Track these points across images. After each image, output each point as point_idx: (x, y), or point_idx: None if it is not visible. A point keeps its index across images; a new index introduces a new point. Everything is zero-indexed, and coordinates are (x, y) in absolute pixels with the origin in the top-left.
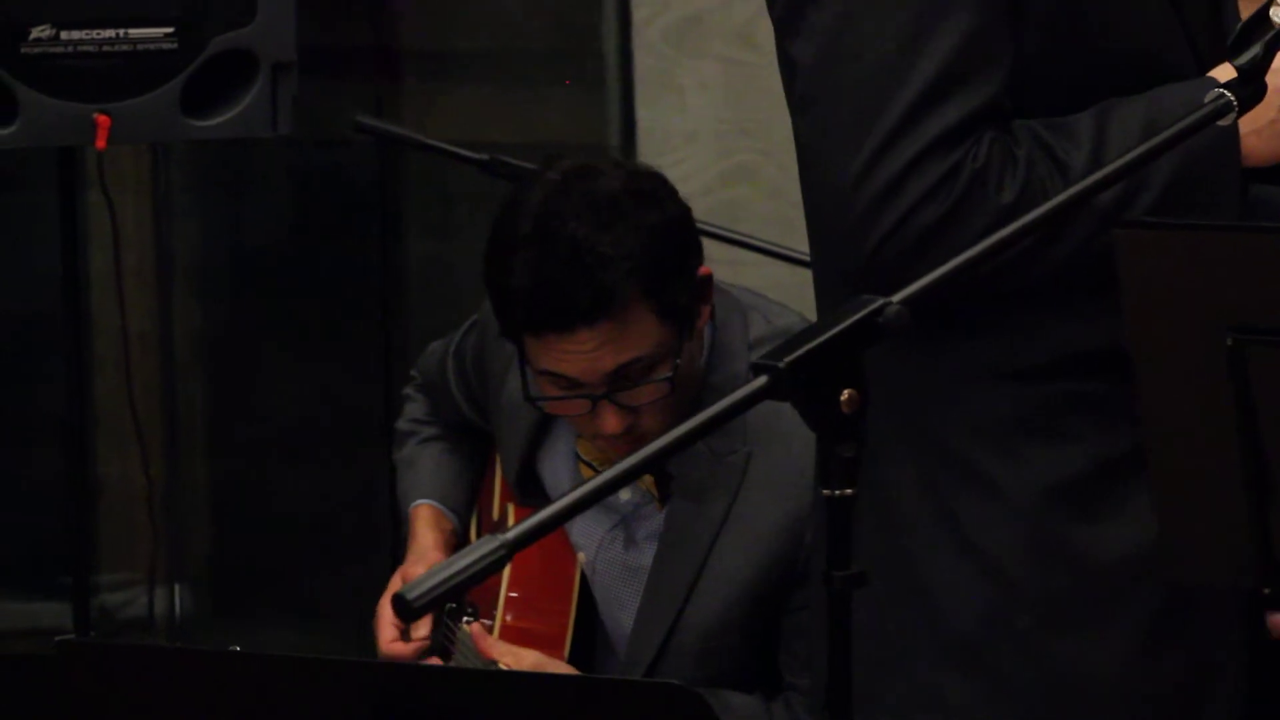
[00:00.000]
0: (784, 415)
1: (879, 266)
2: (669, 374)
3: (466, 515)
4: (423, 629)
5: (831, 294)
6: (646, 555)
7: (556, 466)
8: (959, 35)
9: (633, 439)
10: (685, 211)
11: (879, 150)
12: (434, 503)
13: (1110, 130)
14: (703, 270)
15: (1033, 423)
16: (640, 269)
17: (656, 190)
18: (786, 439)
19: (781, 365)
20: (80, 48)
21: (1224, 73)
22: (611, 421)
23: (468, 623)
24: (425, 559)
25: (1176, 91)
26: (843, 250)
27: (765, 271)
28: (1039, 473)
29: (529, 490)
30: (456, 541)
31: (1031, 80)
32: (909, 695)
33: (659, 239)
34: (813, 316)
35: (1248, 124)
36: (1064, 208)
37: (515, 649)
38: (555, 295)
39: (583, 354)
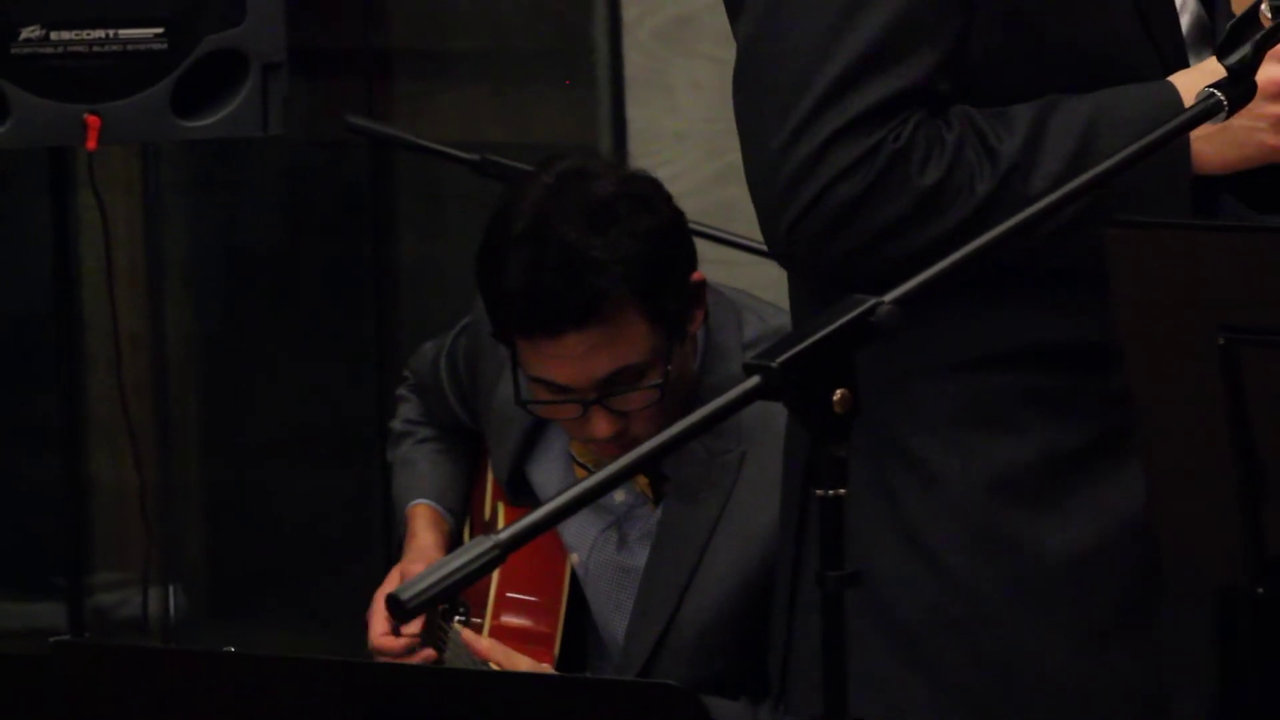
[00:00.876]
0: (778, 414)
1: (797, 242)
2: (659, 380)
3: (462, 516)
4: (413, 625)
5: (797, 284)
6: (640, 556)
7: (549, 469)
8: (888, 15)
9: (624, 443)
10: (678, 216)
11: (799, 126)
12: (431, 503)
13: (1050, 123)
14: (695, 275)
15: (978, 414)
16: (631, 274)
17: (650, 195)
18: (780, 438)
19: (774, 365)
20: (70, 48)
21: (1184, 77)
22: (602, 426)
23: (460, 622)
24: (425, 558)
25: (1127, 92)
26: (767, 226)
27: (757, 271)
28: (981, 464)
29: (520, 491)
30: (453, 542)
31: (987, 73)
32: (855, 684)
33: (651, 244)
34: None
35: (1198, 130)
36: (1056, 206)
37: (510, 652)
38: (545, 299)
39: (573, 359)
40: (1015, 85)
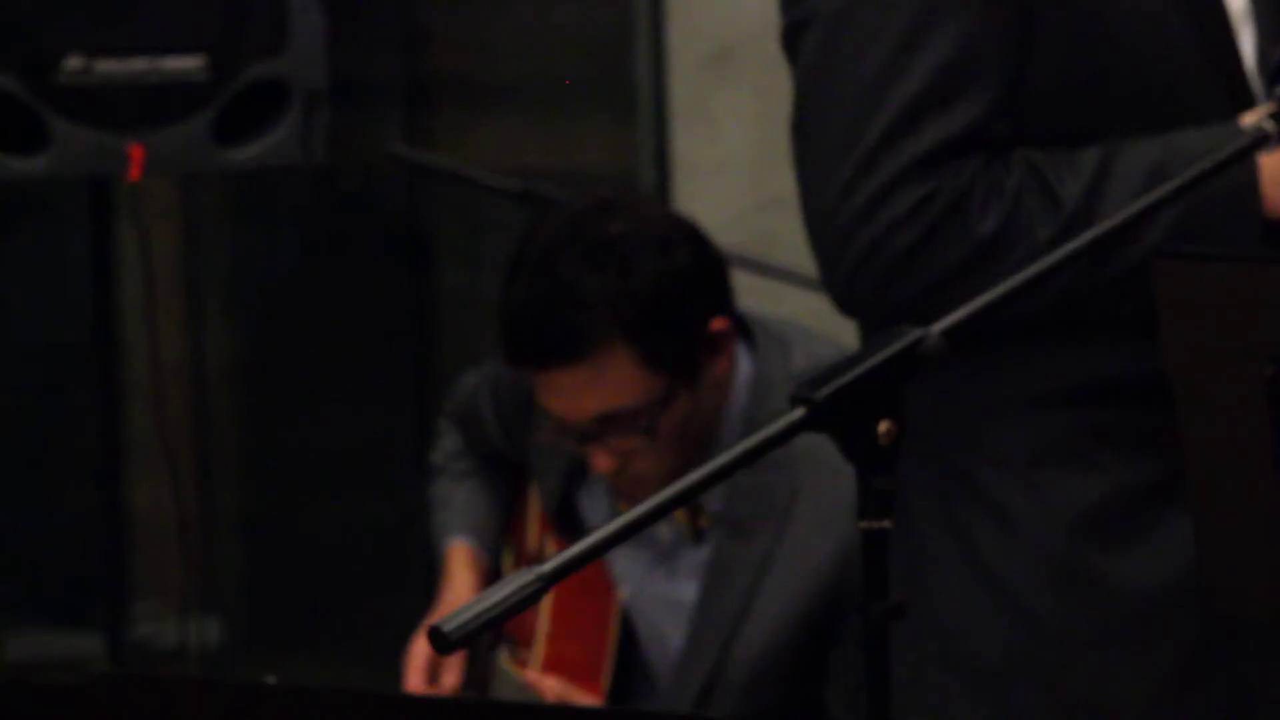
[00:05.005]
0: (829, 447)
1: (856, 290)
2: (646, 425)
3: (498, 550)
4: (451, 676)
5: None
6: (689, 590)
7: (598, 499)
8: (941, 56)
9: (628, 479)
10: (702, 263)
11: (856, 173)
12: (468, 541)
13: (1115, 166)
14: (716, 324)
15: (1054, 451)
16: (622, 317)
17: (669, 239)
18: (833, 472)
19: (818, 397)
20: (113, 78)
21: (1255, 115)
22: (601, 462)
23: (508, 655)
24: (462, 599)
25: (1195, 135)
26: (826, 272)
27: (800, 301)
28: (1060, 502)
29: (568, 523)
30: (492, 578)
31: (1047, 111)
32: None
33: (652, 288)
34: (850, 345)
35: (1266, 172)
36: (1102, 241)
37: (571, 689)
38: (530, 331)
39: (563, 394)
40: (1077, 123)
